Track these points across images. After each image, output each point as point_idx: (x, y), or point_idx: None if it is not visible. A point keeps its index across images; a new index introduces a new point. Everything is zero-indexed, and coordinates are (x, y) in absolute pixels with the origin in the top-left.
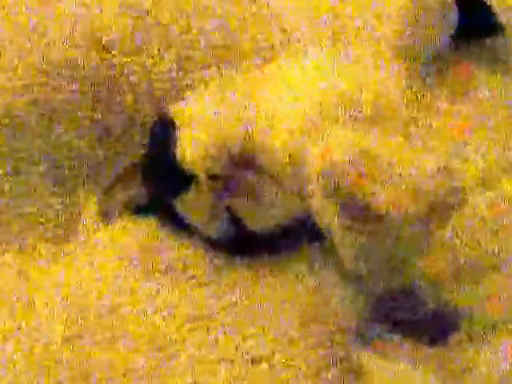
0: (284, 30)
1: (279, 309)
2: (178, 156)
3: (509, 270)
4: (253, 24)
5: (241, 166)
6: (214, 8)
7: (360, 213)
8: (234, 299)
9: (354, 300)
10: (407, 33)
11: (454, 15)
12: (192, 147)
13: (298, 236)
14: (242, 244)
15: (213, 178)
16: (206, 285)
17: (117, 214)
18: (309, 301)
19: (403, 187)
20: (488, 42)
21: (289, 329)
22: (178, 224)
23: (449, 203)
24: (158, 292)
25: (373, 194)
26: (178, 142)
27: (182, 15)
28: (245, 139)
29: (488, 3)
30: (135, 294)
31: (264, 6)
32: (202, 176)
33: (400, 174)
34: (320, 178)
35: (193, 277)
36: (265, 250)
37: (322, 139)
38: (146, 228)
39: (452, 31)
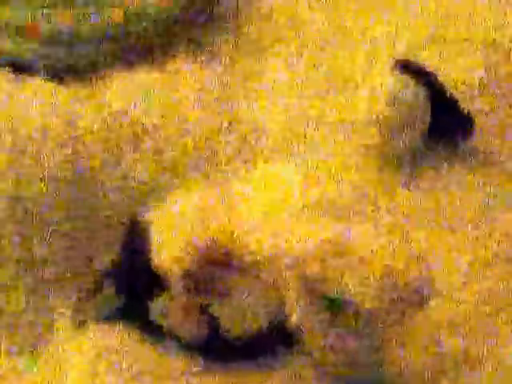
0: (259, 139)
1: None
2: (153, 259)
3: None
4: (230, 131)
5: (216, 265)
6: (188, 114)
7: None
8: None
9: None
10: (381, 131)
11: (427, 116)
12: (165, 251)
13: (274, 342)
14: (218, 349)
15: (187, 278)
16: None
17: (91, 319)
18: None
19: (372, 278)
20: (459, 141)
21: None
22: (152, 329)
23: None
24: None
25: (342, 284)
26: (152, 246)
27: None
28: (220, 241)
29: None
30: None
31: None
32: (177, 278)
33: (370, 264)
34: (291, 271)
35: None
36: (240, 356)
37: (293, 234)
38: (120, 333)
39: (425, 131)
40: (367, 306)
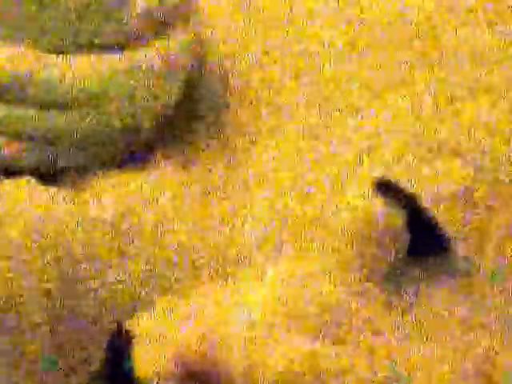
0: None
1: None
2: (135, 371)
3: None
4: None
5: (196, 380)
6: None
7: None
8: None
9: None
10: (358, 250)
11: (406, 236)
12: (146, 364)
13: None
14: None
15: None
16: None
17: None
18: None
19: None
20: (437, 259)
21: None
22: None
23: None
24: None
25: None
26: (133, 358)
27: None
28: (200, 355)
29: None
30: None
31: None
32: None
33: None
34: None
35: None
36: None
37: (274, 349)
38: None
39: (404, 251)
40: None
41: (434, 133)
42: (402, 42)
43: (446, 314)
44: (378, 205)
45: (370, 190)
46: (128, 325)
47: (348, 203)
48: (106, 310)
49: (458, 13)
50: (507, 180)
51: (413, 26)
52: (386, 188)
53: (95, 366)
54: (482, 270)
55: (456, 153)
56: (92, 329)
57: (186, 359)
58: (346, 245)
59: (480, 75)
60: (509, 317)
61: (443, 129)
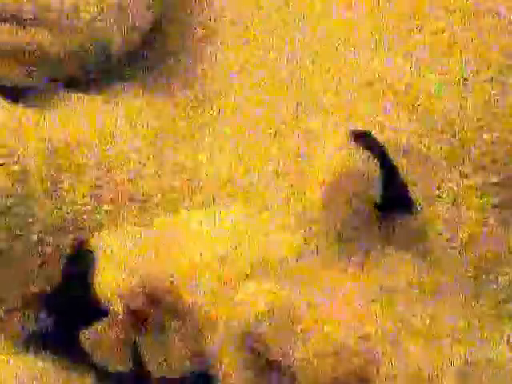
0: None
1: None
2: (95, 286)
3: None
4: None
5: (156, 305)
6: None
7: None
8: None
9: None
10: (330, 198)
11: (379, 186)
12: (109, 284)
13: None
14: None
15: (127, 313)
16: None
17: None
18: None
19: (322, 347)
20: (402, 220)
21: None
22: (78, 357)
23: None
24: None
25: (289, 349)
26: (96, 275)
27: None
28: (163, 281)
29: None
30: None
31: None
32: (117, 310)
33: (320, 332)
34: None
35: None
36: None
37: (238, 293)
38: (37, 358)
39: (374, 202)
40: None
41: None
42: None
43: (402, 272)
44: (355, 153)
45: (347, 139)
46: (90, 242)
47: (323, 152)
48: (63, 229)
49: None
50: None
51: None
52: (360, 138)
53: (52, 279)
54: (439, 234)
55: None
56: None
57: (152, 290)
58: (317, 193)
59: None
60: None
61: None
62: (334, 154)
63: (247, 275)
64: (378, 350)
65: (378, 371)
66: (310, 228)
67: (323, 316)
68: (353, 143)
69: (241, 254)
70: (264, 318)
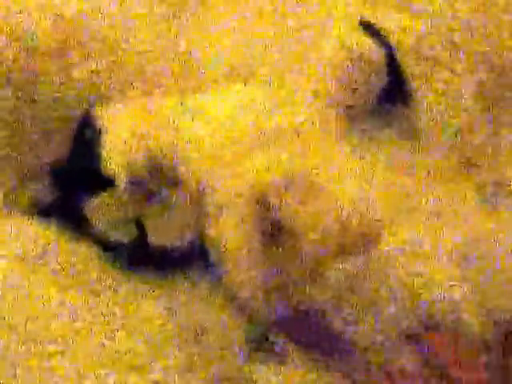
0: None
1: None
2: (102, 159)
3: None
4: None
5: (160, 177)
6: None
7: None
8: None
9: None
10: (338, 82)
11: (384, 74)
12: (117, 152)
13: (189, 255)
14: (140, 254)
15: (132, 184)
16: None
17: (20, 210)
18: (191, 317)
19: (327, 209)
20: (398, 108)
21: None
22: (78, 228)
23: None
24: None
25: (295, 213)
26: (103, 146)
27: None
28: (169, 152)
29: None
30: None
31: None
32: (123, 181)
33: (326, 196)
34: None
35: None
36: (159, 264)
37: (245, 163)
38: (44, 228)
39: (378, 89)
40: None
41: None
42: None
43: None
44: (363, 40)
45: (356, 27)
46: (98, 114)
47: (332, 38)
48: (70, 102)
49: None
50: None
51: None
52: (368, 28)
53: (62, 150)
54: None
55: None
56: (59, 116)
57: (158, 159)
58: (326, 77)
59: None
60: None
61: None
62: (341, 41)
63: (252, 145)
64: (382, 215)
65: (380, 236)
66: (314, 104)
67: (334, 178)
68: (360, 31)
69: (245, 125)
70: (280, 180)
